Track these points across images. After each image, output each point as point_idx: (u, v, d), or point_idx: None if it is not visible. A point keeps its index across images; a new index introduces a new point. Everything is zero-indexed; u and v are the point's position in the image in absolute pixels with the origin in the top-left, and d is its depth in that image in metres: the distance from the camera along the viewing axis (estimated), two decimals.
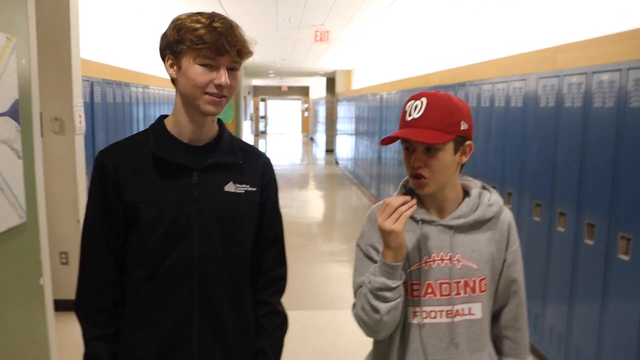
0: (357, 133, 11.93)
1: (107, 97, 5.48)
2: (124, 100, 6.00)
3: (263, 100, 29.95)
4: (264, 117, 30.01)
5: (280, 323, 1.55)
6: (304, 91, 28.89)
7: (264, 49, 10.39)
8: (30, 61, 2.43)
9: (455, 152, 1.34)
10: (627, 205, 2.70)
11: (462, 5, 5.48)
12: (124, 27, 6.74)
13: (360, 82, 13.12)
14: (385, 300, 1.31)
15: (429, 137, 1.28)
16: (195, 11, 1.35)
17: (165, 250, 1.36)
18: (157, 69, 7.79)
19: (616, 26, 2.96)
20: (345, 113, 14.11)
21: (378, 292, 1.32)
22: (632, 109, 2.65)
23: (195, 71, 1.30)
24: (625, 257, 2.68)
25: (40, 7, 3.76)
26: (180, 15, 1.34)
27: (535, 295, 3.54)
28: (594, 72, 2.95)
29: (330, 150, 18.39)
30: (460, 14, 5.78)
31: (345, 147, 14.02)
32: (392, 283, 1.30)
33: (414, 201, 1.29)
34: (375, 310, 1.32)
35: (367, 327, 1.37)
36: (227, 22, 1.31)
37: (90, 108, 4.96)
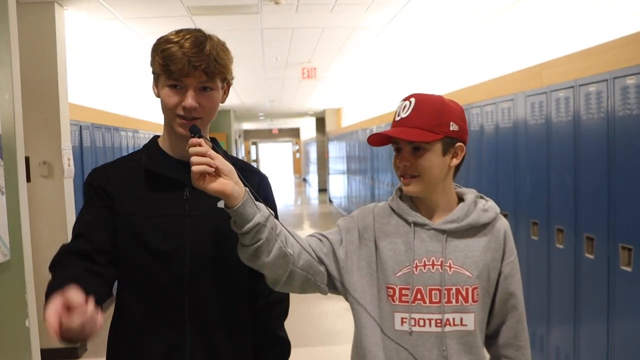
0: (349, 170, 11.94)
1: (97, 141, 5.47)
2: (113, 145, 5.99)
3: (254, 143, 30.12)
4: (256, 161, 30.11)
5: (281, 350, 1.48)
6: (294, 133, 29.09)
7: (253, 90, 10.49)
8: (13, 97, 2.40)
9: (445, 153, 1.30)
10: (625, 215, 2.65)
11: (446, 32, 5.57)
12: (113, 72, 6.79)
13: (349, 119, 13.22)
14: (240, 245, 1.25)
15: (413, 136, 1.26)
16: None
17: (155, 267, 1.31)
18: (146, 113, 7.82)
19: (601, 37, 2.98)
20: (336, 152, 14.17)
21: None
22: (621, 117, 2.64)
23: (165, 93, 1.29)
24: (628, 269, 2.62)
25: (27, 51, 3.78)
26: (162, 37, 1.32)
27: (539, 316, 3.45)
28: (580, 85, 2.96)
29: (323, 189, 18.37)
30: (443, 41, 5.86)
31: (338, 185, 14.01)
32: (238, 228, 1.21)
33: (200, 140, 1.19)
34: (240, 256, 1.28)
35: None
36: (197, 40, 1.27)
37: (79, 152, 4.94)
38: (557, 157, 3.24)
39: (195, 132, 1.22)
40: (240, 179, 1.21)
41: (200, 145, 1.17)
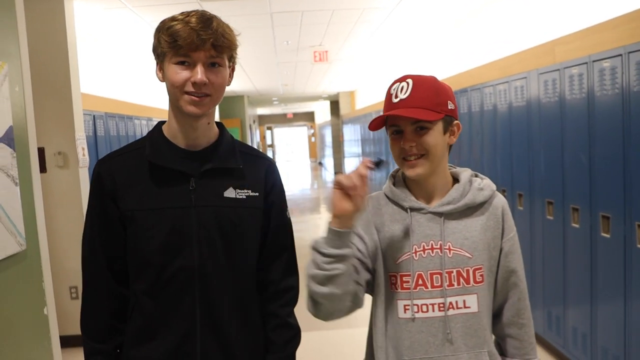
0: (364, 153, 11.90)
1: (111, 130, 5.51)
2: (127, 133, 6.02)
3: (269, 128, 30.13)
4: (271, 146, 30.15)
5: (291, 337, 1.46)
6: (309, 117, 29.03)
7: (266, 75, 10.47)
8: (23, 88, 2.43)
9: (445, 132, 1.30)
10: None
11: (457, 11, 5.48)
12: (125, 61, 6.82)
13: (363, 101, 13.15)
14: (316, 265, 1.22)
15: (420, 114, 1.25)
16: None
17: (164, 260, 1.31)
18: (160, 101, 7.86)
19: (615, 11, 2.91)
20: (351, 135, 14.11)
21: (313, 254, 1.24)
22: (637, 92, 2.58)
23: (172, 71, 1.26)
24: None
25: (37, 43, 3.80)
26: (166, 18, 1.31)
27: (555, 296, 3.42)
28: (594, 61, 2.90)
29: (339, 173, 18.37)
30: (456, 19, 5.78)
31: (354, 168, 13.98)
32: (324, 248, 1.21)
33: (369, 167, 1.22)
34: (308, 274, 1.25)
35: (307, 296, 1.29)
36: (203, 16, 1.26)
37: (94, 141, 4.98)
38: (571, 135, 3.19)
39: (380, 166, 1.24)
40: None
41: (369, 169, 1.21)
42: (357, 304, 1.31)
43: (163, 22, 1.29)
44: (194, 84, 1.25)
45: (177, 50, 1.24)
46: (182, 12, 1.28)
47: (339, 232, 1.20)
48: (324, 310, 1.27)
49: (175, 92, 1.27)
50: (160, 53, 1.29)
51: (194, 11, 1.28)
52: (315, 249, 1.24)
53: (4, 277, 2.17)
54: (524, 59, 3.85)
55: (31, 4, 3.63)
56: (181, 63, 1.25)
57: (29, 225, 2.37)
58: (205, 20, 1.25)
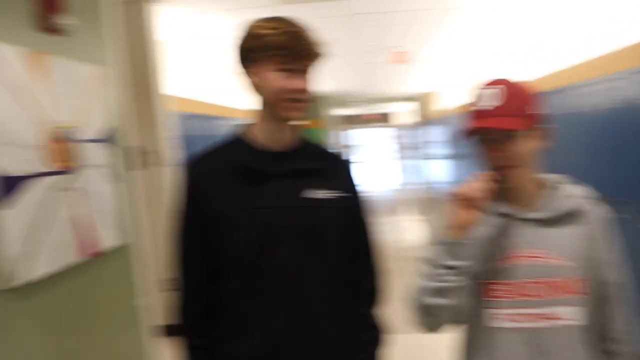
0: (447, 155, 11.64)
1: (197, 130, 5.73)
2: (213, 134, 6.24)
3: (349, 129, 30.19)
4: (350, 147, 30.19)
5: (374, 337, 1.48)
6: (388, 118, 28.83)
7: (346, 76, 10.49)
8: (121, 91, 2.56)
9: (537, 138, 1.26)
10: None
11: (545, 5, 5.23)
12: (210, 63, 7.05)
13: (445, 103, 12.87)
14: (434, 277, 1.21)
15: (516, 124, 1.21)
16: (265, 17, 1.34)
17: (255, 259, 1.35)
18: (241, 102, 8.08)
19: None
20: (433, 136, 13.85)
21: (430, 267, 1.23)
22: None
23: (277, 77, 1.29)
24: None
25: (130, 46, 3.99)
26: (253, 22, 1.34)
27: None
28: None
29: (419, 174, 18.10)
30: (544, 15, 5.51)
31: (437, 170, 13.71)
32: (445, 260, 1.20)
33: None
34: (419, 286, 1.23)
35: (415, 308, 1.27)
36: (302, 26, 1.31)
37: (182, 141, 5.19)
38: None
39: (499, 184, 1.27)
40: None
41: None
42: (463, 314, 1.30)
43: (258, 28, 1.32)
44: (297, 90, 1.31)
45: (281, 59, 1.28)
46: (276, 19, 1.32)
47: (460, 244, 1.20)
48: (437, 322, 1.27)
49: (276, 98, 1.31)
50: (256, 57, 1.31)
51: (288, 19, 1.32)
52: (432, 261, 1.23)
53: (103, 268, 2.30)
54: (624, 56, 3.59)
55: (124, 11, 3.81)
56: (286, 70, 1.30)
57: (127, 221, 2.49)
58: (304, 31, 1.31)
